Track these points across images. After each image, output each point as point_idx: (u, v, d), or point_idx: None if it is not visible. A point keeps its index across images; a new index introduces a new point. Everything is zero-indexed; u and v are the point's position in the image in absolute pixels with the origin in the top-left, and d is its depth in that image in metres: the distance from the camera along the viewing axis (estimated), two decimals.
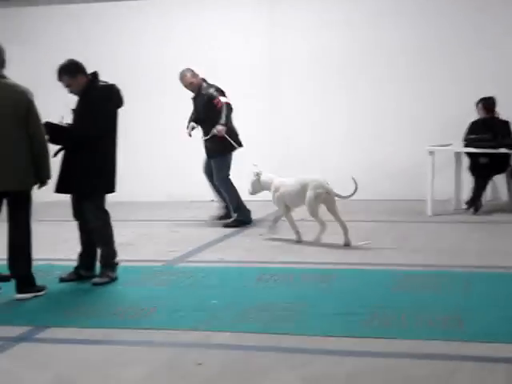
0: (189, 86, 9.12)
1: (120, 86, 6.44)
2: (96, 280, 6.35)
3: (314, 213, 7.78)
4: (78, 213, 6.42)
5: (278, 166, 10.58)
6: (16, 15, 11.75)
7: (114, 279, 6.39)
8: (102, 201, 6.42)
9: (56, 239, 8.35)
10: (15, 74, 6.19)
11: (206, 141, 9.05)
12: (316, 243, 7.79)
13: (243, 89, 11.26)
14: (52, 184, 6.19)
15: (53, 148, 6.26)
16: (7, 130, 5.79)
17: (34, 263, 6.04)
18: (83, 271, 6.48)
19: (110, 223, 6.44)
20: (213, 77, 11.04)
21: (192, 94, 9.23)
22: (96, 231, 6.38)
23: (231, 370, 4.34)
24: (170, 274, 6.72)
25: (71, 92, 6.39)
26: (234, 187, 9.05)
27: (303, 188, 7.80)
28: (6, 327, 5.25)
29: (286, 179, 8.09)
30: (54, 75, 6.36)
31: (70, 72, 6.31)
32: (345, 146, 11.19)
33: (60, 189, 6.34)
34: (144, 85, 11.37)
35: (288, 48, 11.28)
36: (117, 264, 6.48)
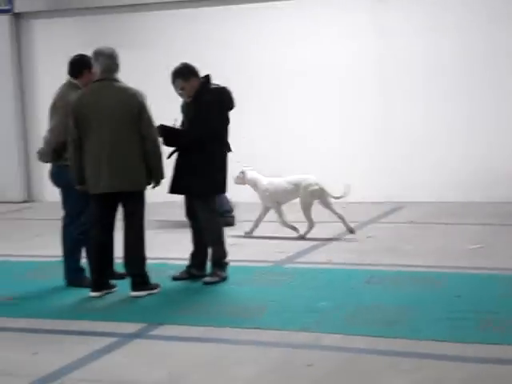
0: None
1: (235, 87, 6.56)
2: (207, 279, 6.47)
3: (307, 209, 8.28)
4: (191, 212, 6.56)
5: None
6: (129, 20, 12.05)
7: (224, 279, 6.49)
8: (213, 201, 6.53)
9: (169, 239, 8.54)
10: (129, 77, 6.39)
11: None
12: (302, 239, 8.21)
13: (350, 93, 11.23)
14: (165, 184, 6.36)
15: (167, 150, 6.44)
16: (121, 132, 5.98)
17: (148, 262, 6.21)
18: (195, 270, 6.61)
19: (220, 223, 6.55)
20: (315, 81, 11.11)
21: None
22: (207, 231, 6.50)
23: (341, 373, 4.35)
24: (278, 274, 6.77)
25: (184, 95, 6.53)
26: None
27: (296, 187, 8.36)
28: (121, 324, 5.42)
29: (274, 179, 8.60)
30: (169, 79, 6.52)
31: (183, 75, 6.45)
32: (464, 146, 10.92)
33: (173, 189, 6.50)
34: (257, 86, 11.48)
35: (397, 52, 11.14)
36: (227, 264, 6.58)
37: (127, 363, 4.65)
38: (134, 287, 6.11)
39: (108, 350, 4.88)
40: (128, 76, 6.38)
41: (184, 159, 6.45)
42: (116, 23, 11.93)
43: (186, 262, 6.68)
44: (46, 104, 6.71)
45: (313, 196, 8.27)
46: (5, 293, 6.38)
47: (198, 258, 6.62)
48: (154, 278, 6.24)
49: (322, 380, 4.26)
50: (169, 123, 6.48)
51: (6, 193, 12.25)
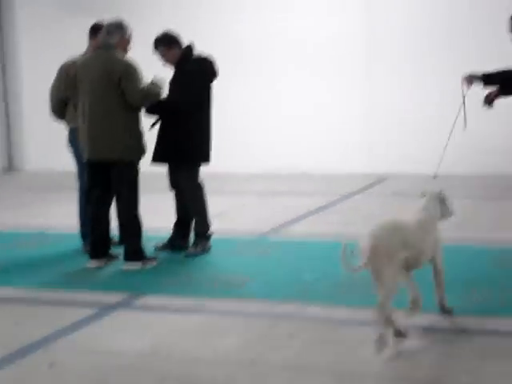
0: None
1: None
2: (190, 250, 6.44)
3: None
4: (174, 183, 6.51)
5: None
6: None
7: (207, 250, 6.47)
8: (196, 171, 6.47)
9: (151, 209, 8.42)
10: None
11: None
12: None
13: (337, 67, 11.20)
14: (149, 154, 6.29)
15: (150, 120, 6.37)
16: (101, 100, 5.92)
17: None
18: (178, 241, 6.57)
19: (204, 194, 6.50)
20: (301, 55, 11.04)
21: None
22: (190, 201, 6.46)
23: (323, 342, 4.35)
24: (263, 245, 6.75)
25: (166, 62, 6.43)
26: None
27: None
28: (103, 294, 5.38)
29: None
30: None
31: (165, 43, 6.36)
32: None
33: (156, 158, 6.43)
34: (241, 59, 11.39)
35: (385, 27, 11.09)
36: (211, 235, 6.55)
37: (109, 334, 4.62)
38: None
39: (90, 320, 4.85)
40: None
41: (166, 128, 6.39)
42: None
43: (169, 233, 6.64)
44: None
45: None
46: None
47: (181, 228, 6.58)
48: None
49: (304, 350, 4.25)
50: None
51: None
